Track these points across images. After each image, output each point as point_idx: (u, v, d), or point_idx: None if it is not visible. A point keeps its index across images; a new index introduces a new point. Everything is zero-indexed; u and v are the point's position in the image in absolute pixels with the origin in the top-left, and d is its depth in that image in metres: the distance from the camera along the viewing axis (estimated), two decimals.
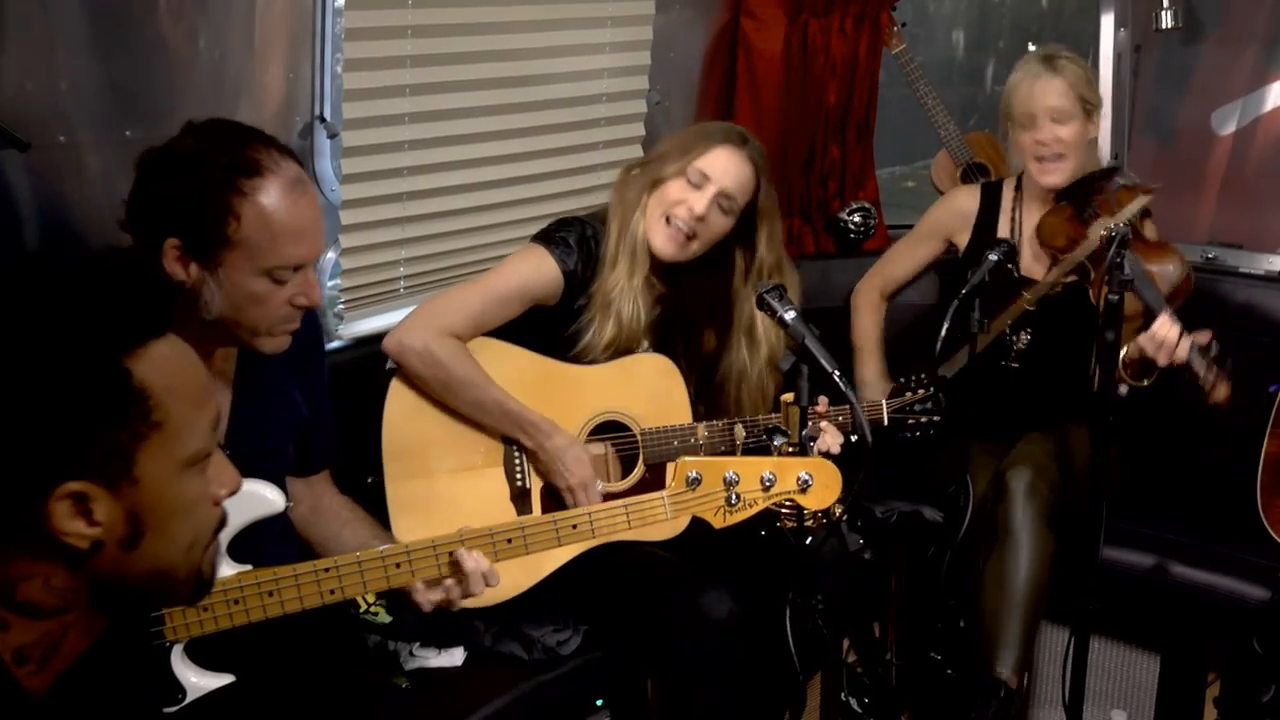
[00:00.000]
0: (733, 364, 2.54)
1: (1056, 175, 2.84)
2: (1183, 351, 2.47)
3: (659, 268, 2.50)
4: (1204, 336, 2.50)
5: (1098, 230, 2.68)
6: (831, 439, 2.41)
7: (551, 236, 2.46)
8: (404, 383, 2.37)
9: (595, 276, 2.44)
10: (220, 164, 1.73)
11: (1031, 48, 3.67)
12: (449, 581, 1.91)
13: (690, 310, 2.55)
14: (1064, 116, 2.80)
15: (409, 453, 2.36)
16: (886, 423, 2.58)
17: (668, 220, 2.43)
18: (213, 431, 1.19)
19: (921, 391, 2.57)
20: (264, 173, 1.74)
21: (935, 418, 2.56)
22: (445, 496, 2.35)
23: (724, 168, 2.43)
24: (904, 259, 3.14)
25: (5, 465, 1.07)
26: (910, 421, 2.58)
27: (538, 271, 2.43)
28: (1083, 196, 2.77)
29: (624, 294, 2.43)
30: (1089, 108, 2.83)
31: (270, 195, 1.73)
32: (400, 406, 2.36)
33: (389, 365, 2.39)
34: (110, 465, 1.10)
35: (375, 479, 2.33)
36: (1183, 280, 2.70)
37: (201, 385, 1.17)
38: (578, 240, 2.46)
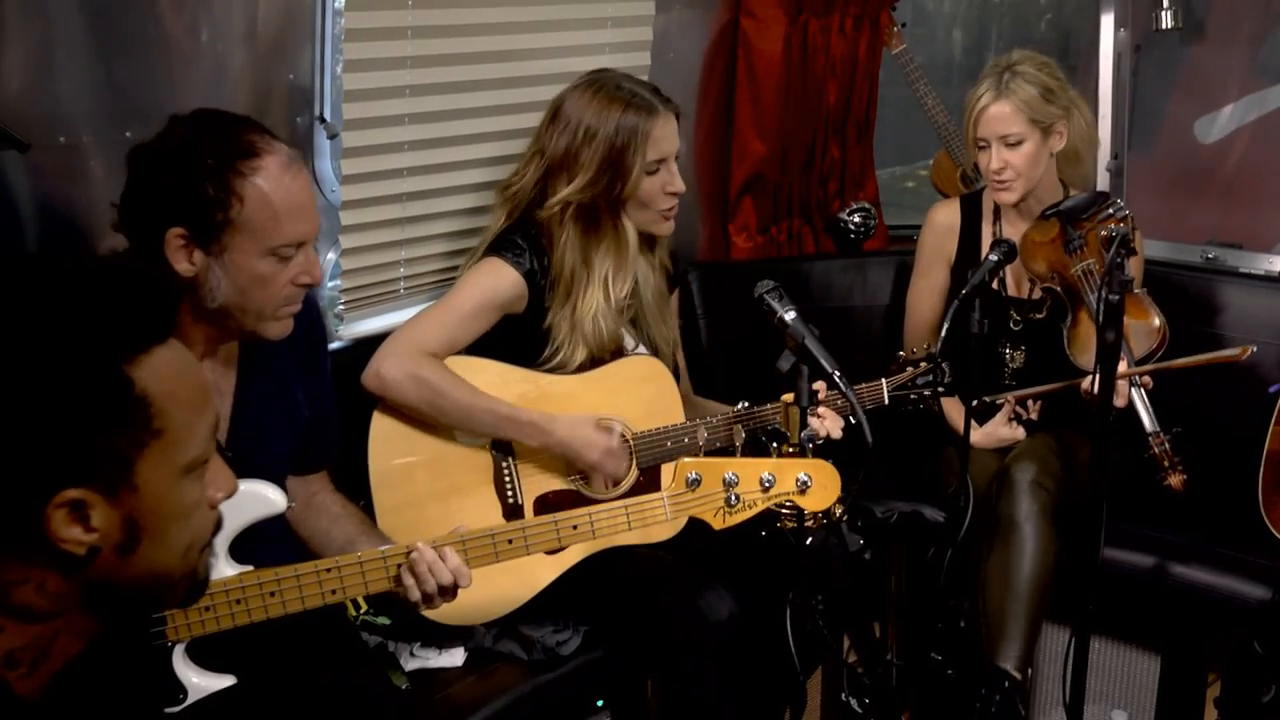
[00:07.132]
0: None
1: (1009, 194, 2.82)
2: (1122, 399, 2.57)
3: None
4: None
5: (1077, 268, 2.71)
6: (831, 423, 2.39)
7: (500, 243, 2.46)
8: (385, 413, 2.35)
9: (552, 285, 2.44)
10: (217, 149, 1.76)
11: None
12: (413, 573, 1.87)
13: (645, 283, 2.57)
14: (1015, 140, 2.77)
15: (396, 482, 2.34)
16: (887, 402, 2.53)
17: (665, 211, 2.47)
18: (212, 437, 1.18)
19: (924, 365, 2.53)
20: (260, 154, 1.78)
21: (940, 389, 2.53)
22: (437, 522, 2.31)
23: (666, 135, 2.45)
24: (925, 297, 3.05)
25: (4, 471, 1.07)
26: (913, 396, 2.53)
27: (497, 280, 2.43)
28: (1070, 219, 2.72)
29: (593, 319, 2.43)
30: (1044, 125, 2.78)
31: (269, 175, 1.78)
32: (384, 435, 2.35)
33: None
34: (110, 473, 1.09)
35: (365, 502, 2.31)
36: (1158, 343, 2.69)
37: (202, 391, 1.17)
38: (525, 238, 2.45)
